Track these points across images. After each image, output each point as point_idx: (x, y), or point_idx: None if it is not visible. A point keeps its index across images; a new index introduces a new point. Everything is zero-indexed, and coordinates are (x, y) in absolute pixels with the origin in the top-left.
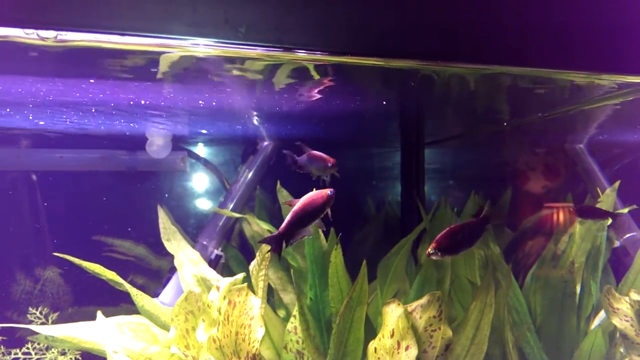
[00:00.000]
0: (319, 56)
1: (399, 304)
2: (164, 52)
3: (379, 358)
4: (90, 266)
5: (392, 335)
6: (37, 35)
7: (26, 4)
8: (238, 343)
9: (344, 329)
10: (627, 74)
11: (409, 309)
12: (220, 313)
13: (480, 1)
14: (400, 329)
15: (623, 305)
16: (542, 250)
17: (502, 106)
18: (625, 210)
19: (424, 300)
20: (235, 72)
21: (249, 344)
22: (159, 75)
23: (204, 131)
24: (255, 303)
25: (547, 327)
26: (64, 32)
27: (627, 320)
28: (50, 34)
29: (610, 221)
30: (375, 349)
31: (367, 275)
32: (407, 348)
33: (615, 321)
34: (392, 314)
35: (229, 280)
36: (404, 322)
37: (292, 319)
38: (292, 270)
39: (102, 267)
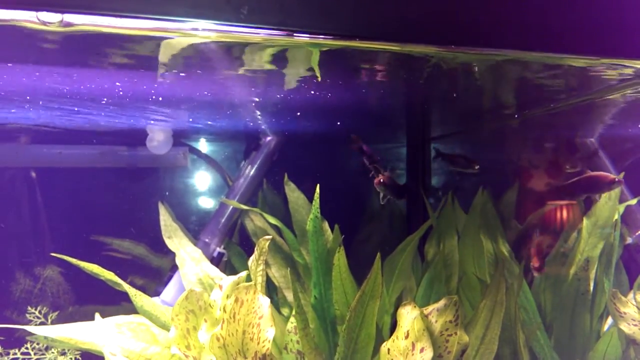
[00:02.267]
0: (326, 40)
1: (414, 306)
2: (163, 37)
3: (392, 359)
4: (88, 266)
5: (406, 337)
6: (38, 19)
7: None
8: (245, 342)
9: (354, 325)
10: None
11: (425, 312)
12: (225, 311)
13: None
14: (415, 330)
15: (630, 308)
16: (551, 248)
17: (511, 99)
18: (634, 201)
19: (440, 304)
20: (240, 64)
21: (258, 343)
22: (159, 66)
23: (205, 123)
24: (263, 302)
25: (559, 326)
26: (65, 15)
27: (635, 325)
28: (54, 17)
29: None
30: (389, 350)
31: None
32: (422, 350)
33: (623, 326)
34: (408, 316)
35: (232, 278)
36: (419, 324)
37: (291, 319)
38: (290, 269)
39: (100, 267)
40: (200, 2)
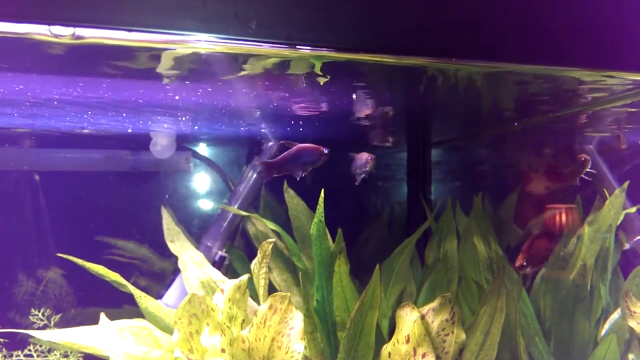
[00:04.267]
0: (330, 53)
1: (413, 308)
2: (172, 49)
3: None
4: (94, 267)
5: (407, 341)
6: (50, 32)
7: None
8: (272, 349)
9: (354, 334)
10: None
11: (421, 312)
12: (256, 315)
13: None
14: (416, 335)
15: None
16: (550, 252)
17: (511, 106)
18: (634, 210)
19: (435, 303)
20: (243, 72)
21: (287, 353)
22: (164, 74)
23: (208, 129)
24: (297, 315)
25: (558, 331)
26: (78, 29)
27: None
28: (66, 31)
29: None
30: (389, 353)
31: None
32: (424, 355)
33: (633, 324)
34: (407, 318)
35: (233, 282)
36: (420, 329)
37: None
38: (299, 273)
39: (106, 269)
40: (209, 17)
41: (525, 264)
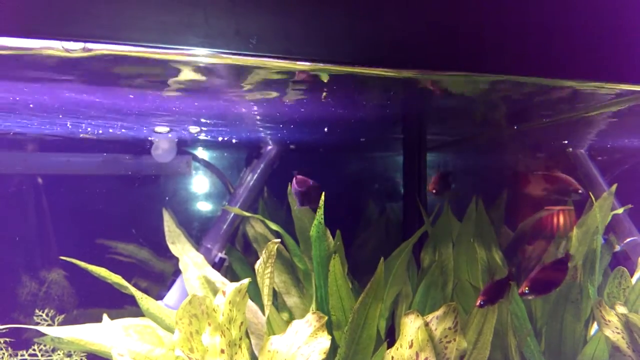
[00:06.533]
0: (326, 66)
1: (418, 315)
2: (176, 62)
3: None
4: (96, 269)
5: (410, 346)
6: (62, 47)
7: (47, 17)
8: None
9: (357, 326)
10: (628, 82)
11: (425, 320)
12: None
13: (483, 10)
14: (419, 340)
15: (614, 317)
16: (543, 254)
17: (505, 111)
18: (621, 210)
19: (440, 311)
20: (245, 84)
21: None
22: (167, 83)
23: (209, 133)
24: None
25: (548, 331)
26: (87, 44)
27: (619, 333)
28: (77, 46)
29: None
30: (392, 357)
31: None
32: None
33: (608, 333)
34: (411, 325)
35: (235, 285)
36: (423, 334)
37: None
38: (300, 274)
39: (108, 271)
40: (211, 33)
41: (527, 291)
